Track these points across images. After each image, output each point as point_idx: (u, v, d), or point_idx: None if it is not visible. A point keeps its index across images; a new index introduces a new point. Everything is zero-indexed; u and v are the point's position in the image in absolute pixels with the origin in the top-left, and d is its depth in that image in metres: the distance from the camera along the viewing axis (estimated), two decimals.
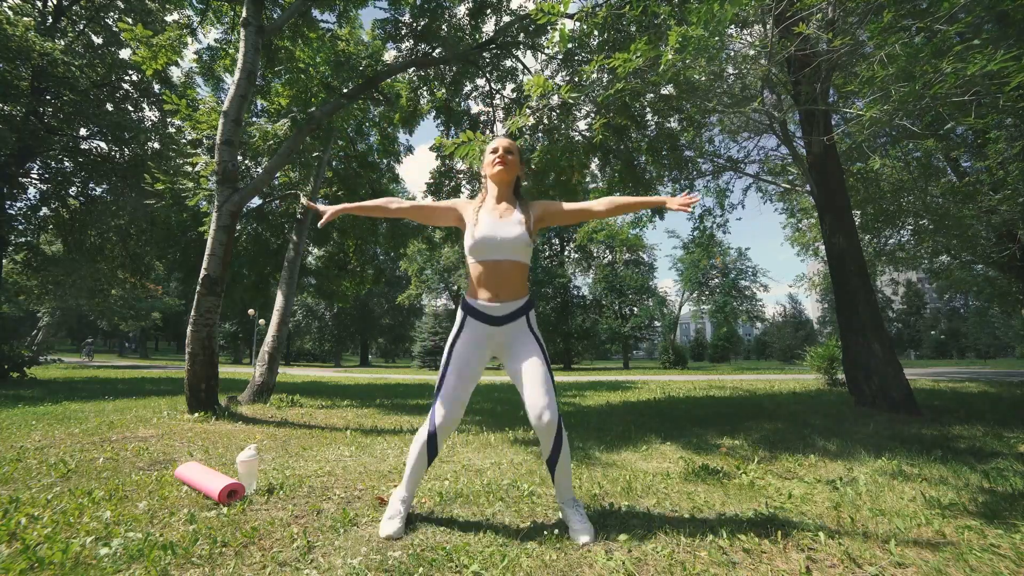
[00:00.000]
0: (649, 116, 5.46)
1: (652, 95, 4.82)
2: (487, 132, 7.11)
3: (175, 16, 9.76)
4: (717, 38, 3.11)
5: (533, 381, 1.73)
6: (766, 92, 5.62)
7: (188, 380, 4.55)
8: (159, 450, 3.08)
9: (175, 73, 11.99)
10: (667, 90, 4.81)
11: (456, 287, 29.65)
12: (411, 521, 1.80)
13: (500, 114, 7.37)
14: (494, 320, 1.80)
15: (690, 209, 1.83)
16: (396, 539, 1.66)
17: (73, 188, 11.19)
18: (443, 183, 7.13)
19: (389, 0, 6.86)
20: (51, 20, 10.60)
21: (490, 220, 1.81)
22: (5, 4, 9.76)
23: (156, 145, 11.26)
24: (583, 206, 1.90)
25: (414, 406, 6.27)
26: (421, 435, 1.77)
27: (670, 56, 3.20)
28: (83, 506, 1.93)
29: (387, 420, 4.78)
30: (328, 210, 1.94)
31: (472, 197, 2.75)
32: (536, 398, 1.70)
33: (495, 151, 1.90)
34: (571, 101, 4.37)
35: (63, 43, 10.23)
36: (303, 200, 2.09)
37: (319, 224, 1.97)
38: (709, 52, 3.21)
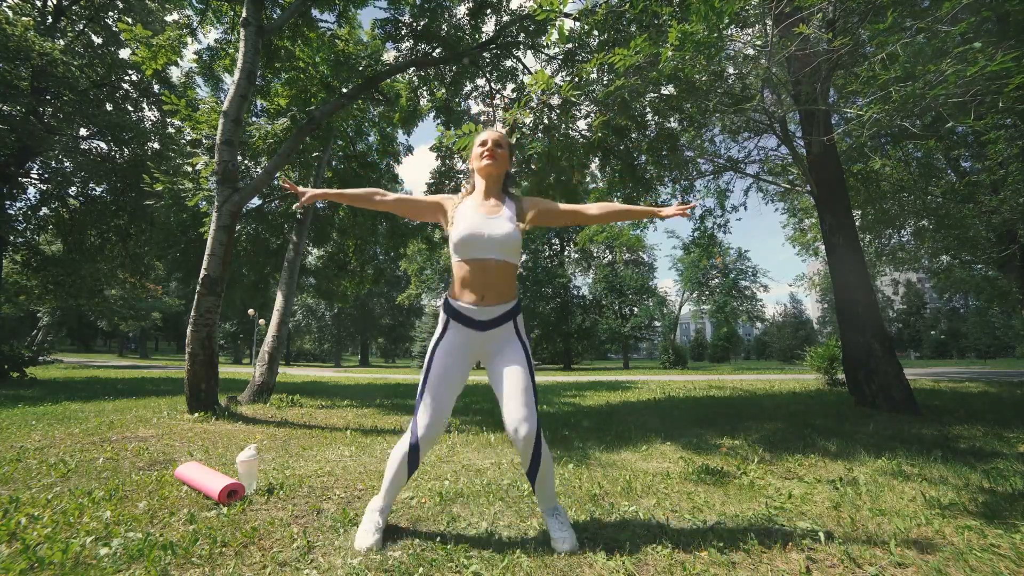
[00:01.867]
0: (649, 116, 5.46)
1: (652, 95, 4.82)
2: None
3: (175, 16, 9.77)
4: (716, 35, 3.11)
5: (513, 391, 1.61)
6: (766, 92, 5.62)
7: (188, 380, 4.55)
8: (159, 450, 3.08)
9: (175, 73, 11.99)
10: (667, 90, 4.80)
11: None
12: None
13: (500, 114, 7.37)
14: (478, 324, 1.68)
15: (687, 214, 1.79)
16: (374, 551, 1.55)
17: (73, 188, 11.19)
18: (443, 183, 7.14)
19: (389, 0, 6.86)
20: (51, 20, 10.60)
21: (477, 216, 1.69)
22: (5, 4, 9.77)
23: (156, 145, 11.27)
24: (577, 208, 1.82)
25: (414, 406, 6.26)
26: (402, 446, 1.65)
27: (670, 53, 3.20)
28: (83, 506, 1.93)
29: (387, 420, 4.78)
30: (307, 192, 1.83)
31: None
32: (514, 410, 1.59)
33: (484, 143, 1.78)
34: (572, 99, 4.36)
35: (63, 43, 10.24)
36: (281, 180, 1.93)
37: (294, 207, 1.87)
38: (709, 50, 3.21)
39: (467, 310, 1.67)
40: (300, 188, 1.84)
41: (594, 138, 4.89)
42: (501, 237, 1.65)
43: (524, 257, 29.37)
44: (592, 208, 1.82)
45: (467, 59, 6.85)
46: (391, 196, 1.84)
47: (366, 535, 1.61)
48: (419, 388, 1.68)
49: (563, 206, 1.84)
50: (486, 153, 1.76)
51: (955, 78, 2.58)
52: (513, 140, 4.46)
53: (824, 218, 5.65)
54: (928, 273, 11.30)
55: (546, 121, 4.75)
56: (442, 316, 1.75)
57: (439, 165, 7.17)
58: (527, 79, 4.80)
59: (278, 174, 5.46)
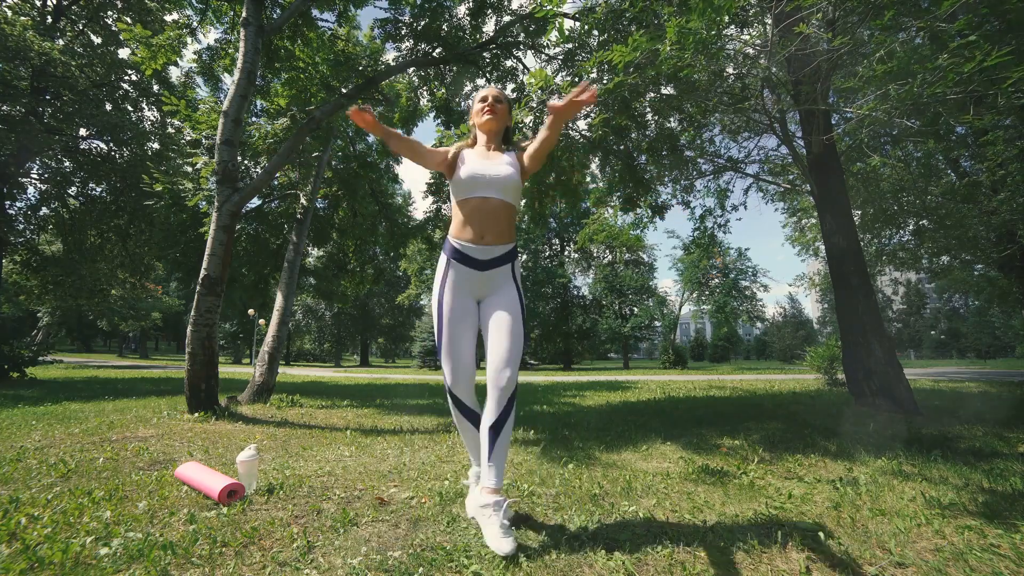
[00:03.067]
0: (649, 116, 5.46)
1: (652, 94, 4.82)
2: None
3: (174, 16, 9.76)
4: (715, 32, 3.11)
5: (501, 336, 1.66)
6: (766, 92, 5.62)
7: (188, 380, 4.55)
8: (159, 450, 3.08)
9: (174, 73, 12.00)
10: (667, 90, 4.81)
11: None
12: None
13: (510, 102, 7.37)
14: (478, 264, 1.73)
15: (592, 98, 1.56)
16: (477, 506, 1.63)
17: (73, 188, 11.19)
18: (443, 183, 7.14)
19: (389, 0, 6.86)
20: (50, 20, 10.60)
21: (479, 159, 1.78)
22: (4, 4, 9.77)
23: (156, 145, 11.27)
24: (534, 144, 1.76)
25: (414, 406, 6.27)
26: (450, 404, 1.80)
27: (668, 49, 3.20)
28: (83, 506, 1.92)
29: (387, 420, 4.78)
30: (385, 130, 1.74)
31: None
32: (500, 353, 1.64)
33: (484, 99, 1.86)
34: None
35: (62, 43, 10.23)
36: (358, 108, 1.68)
37: (388, 139, 1.69)
38: (708, 49, 3.21)
39: (467, 248, 1.73)
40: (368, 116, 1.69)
41: (594, 137, 4.89)
42: (502, 177, 1.73)
43: (524, 257, 29.38)
44: (534, 141, 1.77)
45: (457, 66, 6.85)
46: (405, 139, 1.83)
47: (471, 502, 1.77)
48: (436, 337, 1.77)
49: (529, 149, 1.80)
50: (487, 108, 1.84)
51: (953, 76, 2.58)
52: (513, 140, 4.48)
53: (824, 218, 5.65)
54: (928, 273, 11.29)
55: (546, 120, 4.75)
56: (443, 258, 1.79)
57: None
58: (526, 78, 4.79)
59: (278, 180, 5.45)
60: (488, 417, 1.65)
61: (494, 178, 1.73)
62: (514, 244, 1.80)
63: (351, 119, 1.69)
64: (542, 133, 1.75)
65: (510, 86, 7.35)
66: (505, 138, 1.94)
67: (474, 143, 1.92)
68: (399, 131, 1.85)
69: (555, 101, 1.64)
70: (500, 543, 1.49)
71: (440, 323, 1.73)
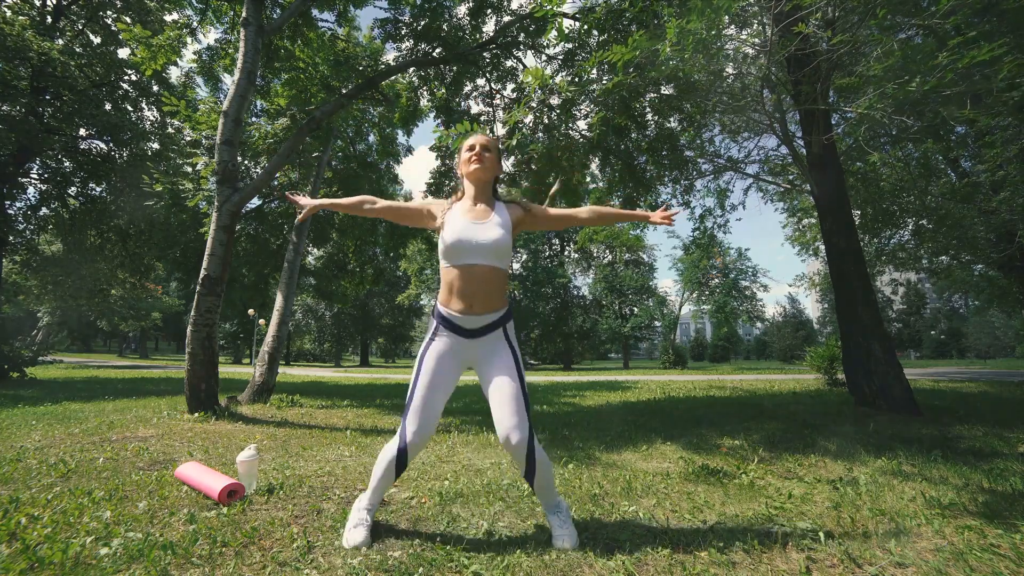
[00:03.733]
0: (649, 116, 5.46)
1: (652, 94, 4.82)
2: (487, 130, 7.11)
3: (174, 16, 9.77)
4: (714, 32, 3.11)
5: (503, 400, 1.61)
6: (766, 92, 5.62)
7: (188, 380, 4.55)
8: (159, 450, 3.08)
9: (174, 73, 12.01)
10: (667, 90, 4.81)
11: None
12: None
13: (500, 114, 7.38)
14: (467, 332, 1.67)
15: (671, 223, 1.83)
16: (363, 547, 1.57)
17: (73, 188, 11.19)
18: (443, 183, 7.14)
19: (389, 0, 6.86)
20: (50, 20, 10.60)
21: (466, 221, 1.68)
22: (3, 4, 9.76)
23: (156, 145, 11.27)
24: (567, 213, 1.82)
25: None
26: (390, 450, 1.64)
27: (668, 50, 3.20)
28: (83, 506, 1.92)
29: (387, 420, 4.78)
30: (308, 203, 1.86)
31: None
32: (504, 418, 1.59)
33: (471, 148, 1.76)
34: (568, 95, 4.37)
35: (61, 43, 10.23)
36: (287, 194, 1.90)
37: (296, 220, 1.88)
38: (708, 48, 3.21)
39: (455, 318, 1.66)
40: (301, 200, 1.88)
41: (594, 136, 4.89)
42: (490, 243, 1.64)
43: (524, 257, 29.38)
44: (583, 212, 1.83)
45: (457, 66, 6.84)
46: (381, 203, 1.84)
47: (355, 532, 1.62)
48: (408, 393, 1.67)
49: (553, 211, 1.83)
50: (474, 158, 1.74)
51: (952, 75, 2.58)
52: (514, 141, 4.48)
53: (824, 218, 5.65)
54: (928, 273, 11.29)
55: (546, 121, 4.75)
56: (432, 322, 1.74)
57: (439, 165, 7.18)
58: (523, 75, 4.79)
59: (278, 180, 5.46)
60: (520, 471, 1.66)
61: (482, 244, 1.64)
62: (506, 308, 1.73)
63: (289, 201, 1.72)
64: (586, 213, 1.83)
65: (510, 86, 7.36)
66: (494, 191, 1.85)
67: (462, 195, 1.83)
68: (356, 199, 1.83)
69: (652, 214, 1.86)
70: (562, 540, 1.61)
71: (416, 384, 1.66)
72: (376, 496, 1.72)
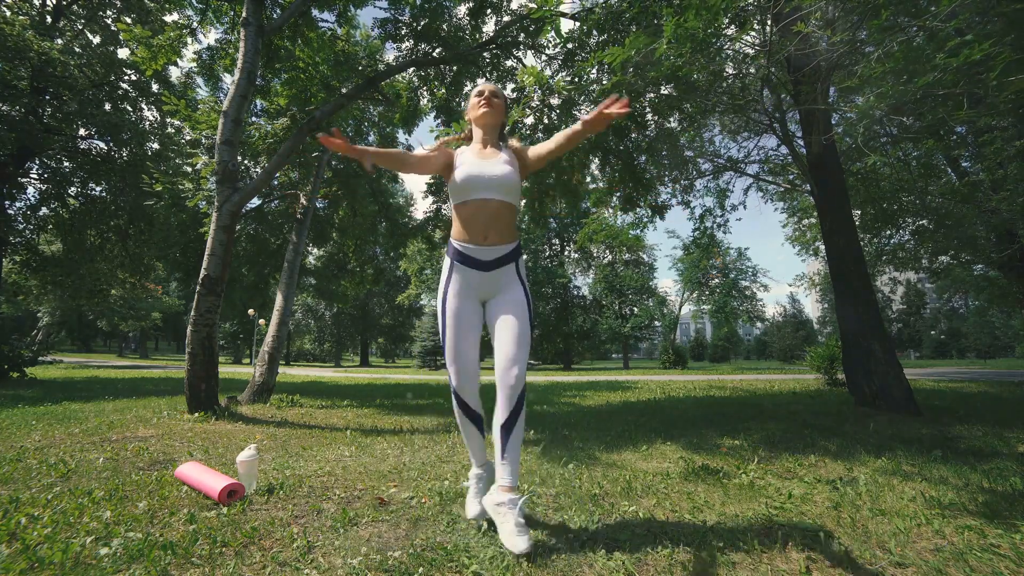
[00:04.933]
0: (649, 116, 5.46)
1: (652, 94, 4.82)
2: None
3: (174, 16, 9.76)
4: (711, 31, 3.11)
5: (510, 335, 1.67)
6: (766, 92, 5.62)
7: (188, 380, 4.55)
8: (159, 450, 3.08)
9: (174, 73, 12.01)
10: (667, 90, 4.81)
11: None
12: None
13: (506, 97, 7.37)
14: (482, 264, 1.72)
15: (624, 109, 1.58)
16: (476, 520, 1.72)
17: (73, 188, 11.19)
18: (443, 183, 7.13)
19: (389, 0, 6.86)
20: (50, 20, 10.60)
21: (476, 159, 1.76)
22: (3, 4, 9.76)
23: (156, 145, 11.27)
24: (542, 148, 1.80)
25: (414, 406, 6.27)
26: (455, 405, 1.80)
27: (664, 47, 3.20)
28: (83, 506, 1.92)
29: (387, 420, 4.78)
30: (345, 147, 1.61)
31: None
32: (509, 351, 1.65)
33: (480, 93, 1.85)
34: (565, 93, 4.37)
35: (61, 43, 10.23)
36: (320, 137, 1.65)
37: (367, 163, 1.67)
38: (706, 49, 3.21)
39: (470, 250, 1.72)
40: (338, 142, 1.62)
41: (593, 137, 4.89)
42: (500, 176, 1.71)
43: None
44: (551, 143, 1.78)
45: (457, 66, 6.82)
46: (412, 156, 1.85)
47: (471, 503, 1.79)
48: (441, 338, 1.77)
49: (532, 150, 1.84)
50: (483, 103, 1.83)
51: (952, 76, 2.58)
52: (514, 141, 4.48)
53: (824, 218, 5.65)
54: (928, 273, 11.29)
55: (546, 121, 4.75)
56: (447, 261, 1.79)
57: None
58: (519, 74, 4.79)
59: (278, 180, 5.45)
60: (499, 416, 1.67)
61: (492, 178, 1.71)
62: (517, 242, 1.80)
63: (322, 144, 1.66)
64: (560, 138, 1.75)
65: (510, 86, 7.35)
66: (501, 136, 1.92)
67: (470, 139, 1.92)
68: (373, 148, 1.74)
69: (586, 116, 1.65)
70: (515, 541, 1.49)
71: (444, 326, 1.73)
72: (477, 457, 1.87)
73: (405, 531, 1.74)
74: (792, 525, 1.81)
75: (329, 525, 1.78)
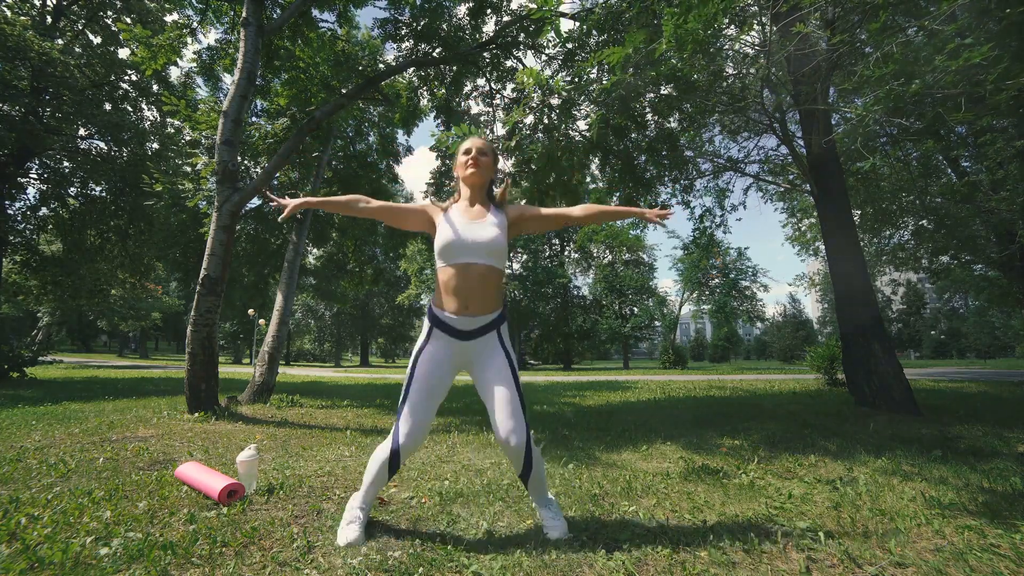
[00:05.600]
0: (649, 116, 5.46)
1: (652, 94, 4.82)
2: (487, 131, 7.11)
3: (174, 16, 9.76)
4: (711, 32, 3.11)
5: (500, 403, 1.63)
6: (766, 92, 5.62)
7: (188, 380, 4.55)
8: (159, 450, 3.08)
9: (174, 73, 12.02)
10: (667, 90, 4.81)
11: None
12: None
13: (500, 114, 7.37)
14: (461, 334, 1.67)
15: (664, 223, 1.83)
16: (357, 546, 1.57)
17: (72, 188, 11.19)
18: (443, 183, 7.14)
19: (389, 0, 6.86)
20: (50, 20, 10.60)
21: (462, 221, 1.70)
22: (3, 4, 9.76)
23: (156, 145, 11.27)
24: (560, 212, 1.81)
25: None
26: (383, 452, 1.65)
27: (664, 47, 3.20)
28: (83, 506, 1.92)
29: (387, 420, 4.78)
30: (289, 203, 1.80)
31: None
32: (503, 421, 1.61)
33: (468, 152, 1.79)
34: (564, 93, 4.37)
35: (61, 43, 10.23)
36: (267, 193, 1.91)
37: (279, 219, 1.82)
38: (706, 49, 3.21)
39: (449, 319, 1.67)
40: (283, 200, 1.84)
41: (592, 135, 4.89)
42: (486, 241, 1.66)
43: (524, 257, 29.36)
44: (576, 210, 1.81)
45: (457, 66, 6.81)
46: (376, 203, 1.82)
47: (348, 529, 1.63)
48: (402, 394, 1.68)
49: (546, 210, 1.83)
50: (470, 162, 1.77)
51: (952, 78, 2.58)
52: (513, 143, 4.48)
53: (824, 218, 5.65)
54: (928, 273, 11.30)
55: (546, 121, 4.75)
56: (426, 323, 1.75)
57: (439, 165, 7.17)
58: (518, 75, 4.78)
59: (278, 180, 5.45)
60: (515, 471, 1.71)
61: (476, 242, 1.65)
62: (500, 310, 1.73)
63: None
64: (579, 211, 1.80)
65: (510, 86, 7.36)
66: (490, 193, 1.86)
67: (459, 198, 1.84)
68: (332, 199, 1.80)
69: (648, 212, 1.78)
70: (553, 530, 1.69)
71: (409, 386, 1.66)
72: (369, 496, 1.72)
73: (405, 531, 1.74)
74: (792, 525, 1.81)
75: (329, 525, 1.78)
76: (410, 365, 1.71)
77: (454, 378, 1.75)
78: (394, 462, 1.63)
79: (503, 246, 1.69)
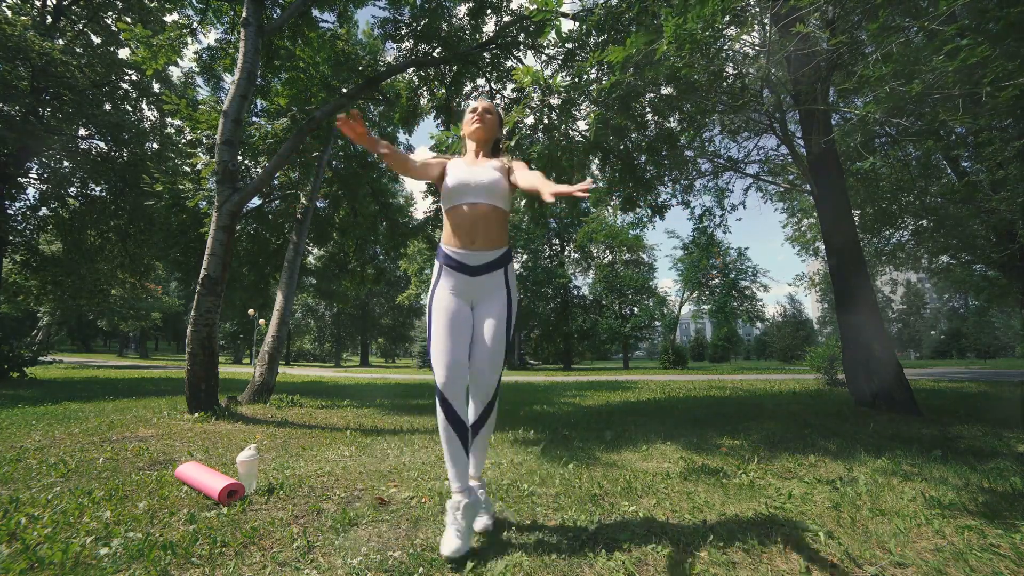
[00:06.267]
0: (649, 116, 5.45)
1: (652, 94, 4.82)
2: None
3: (174, 16, 9.75)
4: (709, 32, 3.11)
5: (487, 338, 1.71)
6: (766, 92, 5.62)
7: (188, 380, 4.55)
8: (159, 450, 3.08)
9: (175, 73, 12.02)
10: (667, 90, 4.81)
11: None
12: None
13: (500, 114, 7.37)
14: (470, 270, 1.73)
15: (586, 194, 1.51)
16: (457, 555, 1.47)
17: (73, 188, 11.19)
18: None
19: (389, 0, 6.86)
20: (50, 20, 10.60)
21: (466, 166, 1.82)
22: (3, 4, 9.76)
23: (155, 145, 11.26)
24: (524, 176, 1.71)
25: (414, 406, 6.27)
26: (439, 414, 1.65)
27: (665, 47, 3.20)
28: (83, 506, 1.93)
29: (387, 420, 4.78)
30: (369, 138, 1.62)
31: None
32: (483, 354, 1.70)
33: (474, 110, 1.92)
34: (561, 90, 4.36)
35: (62, 43, 10.23)
36: (339, 119, 1.59)
37: (378, 151, 1.63)
38: (706, 49, 3.21)
39: (458, 255, 1.74)
40: (363, 127, 1.60)
41: (591, 135, 4.88)
42: (488, 182, 1.75)
43: (524, 257, 29.37)
44: (522, 181, 1.71)
45: (457, 66, 6.78)
46: (419, 161, 1.87)
47: (449, 539, 1.53)
48: (427, 341, 1.74)
49: (519, 174, 1.75)
50: (475, 118, 1.90)
51: (952, 79, 2.58)
52: (513, 143, 4.48)
53: (824, 218, 5.65)
54: (928, 273, 11.30)
55: (546, 121, 4.75)
56: (436, 264, 1.82)
57: None
58: (515, 74, 4.77)
59: (278, 180, 5.43)
60: (470, 416, 1.74)
61: (481, 183, 1.74)
62: (507, 248, 1.80)
63: (339, 128, 1.61)
64: (536, 180, 1.62)
65: (510, 86, 7.35)
66: (494, 151, 1.97)
67: (465, 152, 1.98)
68: (386, 143, 1.73)
69: (551, 190, 1.49)
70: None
71: (432, 323, 1.72)
72: (459, 482, 1.63)
73: (405, 531, 1.74)
74: (792, 525, 1.81)
75: (329, 525, 1.78)
76: (428, 307, 1.77)
77: (471, 316, 1.77)
78: (452, 417, 1.62)
79: (505, 187, 1.77)
